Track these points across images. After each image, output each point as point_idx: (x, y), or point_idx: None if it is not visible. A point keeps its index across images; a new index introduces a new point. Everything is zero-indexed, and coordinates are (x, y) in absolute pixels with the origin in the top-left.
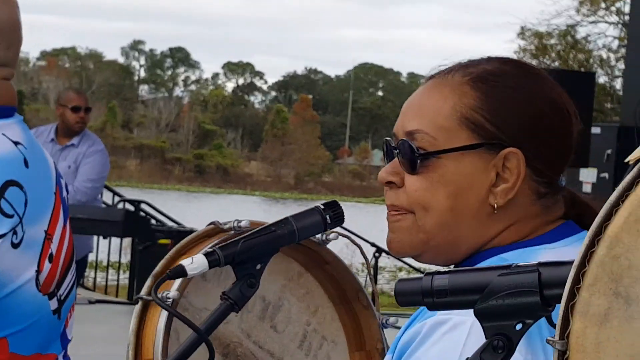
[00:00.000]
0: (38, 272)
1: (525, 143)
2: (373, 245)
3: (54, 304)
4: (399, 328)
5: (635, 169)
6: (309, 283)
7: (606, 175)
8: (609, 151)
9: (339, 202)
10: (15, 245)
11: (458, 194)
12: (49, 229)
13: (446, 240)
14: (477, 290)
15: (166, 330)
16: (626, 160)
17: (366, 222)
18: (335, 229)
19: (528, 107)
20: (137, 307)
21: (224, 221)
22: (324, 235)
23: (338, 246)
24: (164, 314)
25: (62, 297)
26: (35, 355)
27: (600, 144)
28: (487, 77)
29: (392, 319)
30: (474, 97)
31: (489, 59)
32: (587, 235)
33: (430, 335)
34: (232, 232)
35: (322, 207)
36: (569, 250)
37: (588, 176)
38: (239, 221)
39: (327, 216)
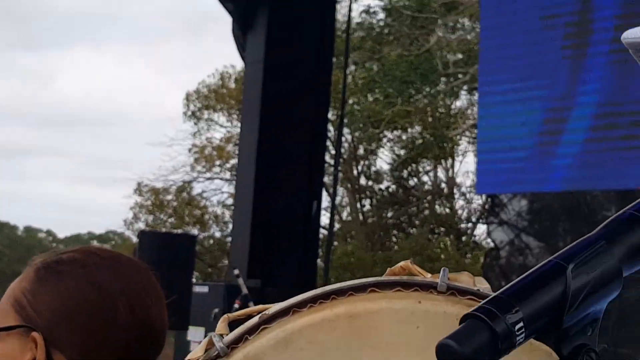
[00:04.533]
0: None
1: (60, 329)
2: None
3: None
4: None
5: None
6: None
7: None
8: (216, 310)
9: None
10: None
11: None
12: None
13: None
14: None
15: None
16: None
17: None
18: None
19: (67, 293)
20: None
21: None
22: None
23: None
24: None
25: None
26: None
27: (208, 303)
28: (50, 264)
29: None
30: (29, 281)
31: (80, 250)
32: None
33: None
34: None
35: None
36: None
37: (196, 335)
38: None
39: None
